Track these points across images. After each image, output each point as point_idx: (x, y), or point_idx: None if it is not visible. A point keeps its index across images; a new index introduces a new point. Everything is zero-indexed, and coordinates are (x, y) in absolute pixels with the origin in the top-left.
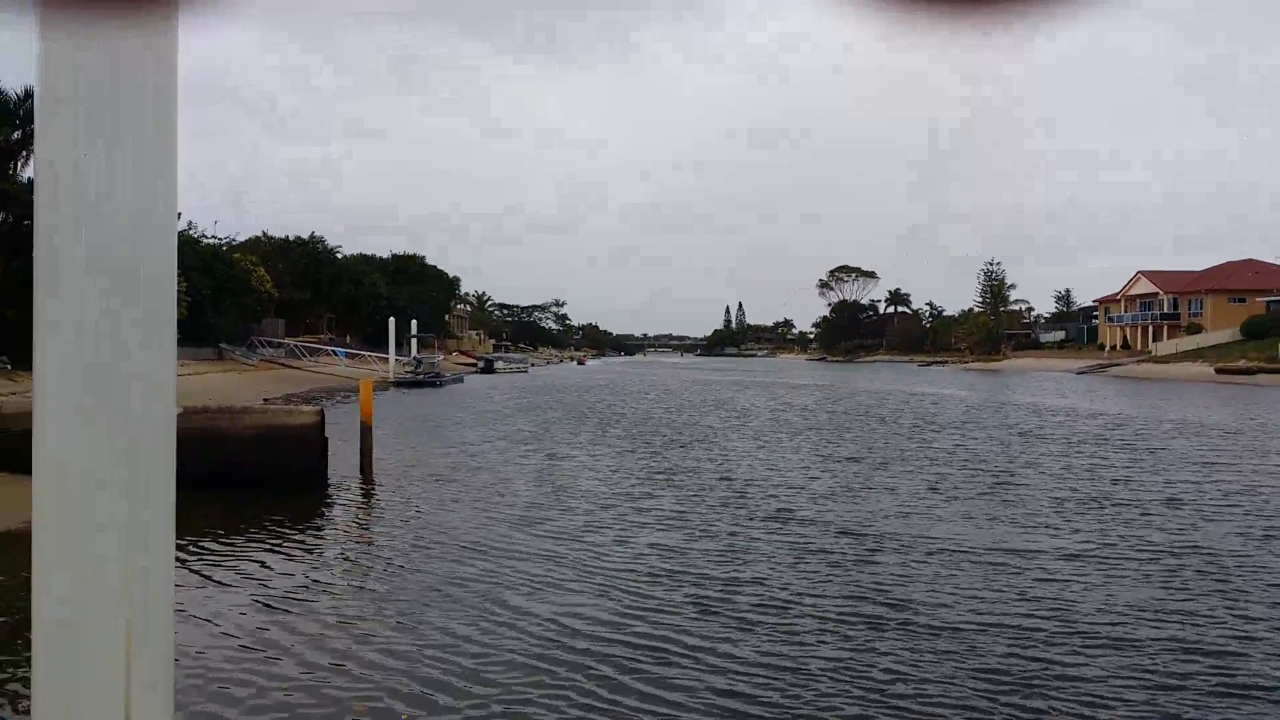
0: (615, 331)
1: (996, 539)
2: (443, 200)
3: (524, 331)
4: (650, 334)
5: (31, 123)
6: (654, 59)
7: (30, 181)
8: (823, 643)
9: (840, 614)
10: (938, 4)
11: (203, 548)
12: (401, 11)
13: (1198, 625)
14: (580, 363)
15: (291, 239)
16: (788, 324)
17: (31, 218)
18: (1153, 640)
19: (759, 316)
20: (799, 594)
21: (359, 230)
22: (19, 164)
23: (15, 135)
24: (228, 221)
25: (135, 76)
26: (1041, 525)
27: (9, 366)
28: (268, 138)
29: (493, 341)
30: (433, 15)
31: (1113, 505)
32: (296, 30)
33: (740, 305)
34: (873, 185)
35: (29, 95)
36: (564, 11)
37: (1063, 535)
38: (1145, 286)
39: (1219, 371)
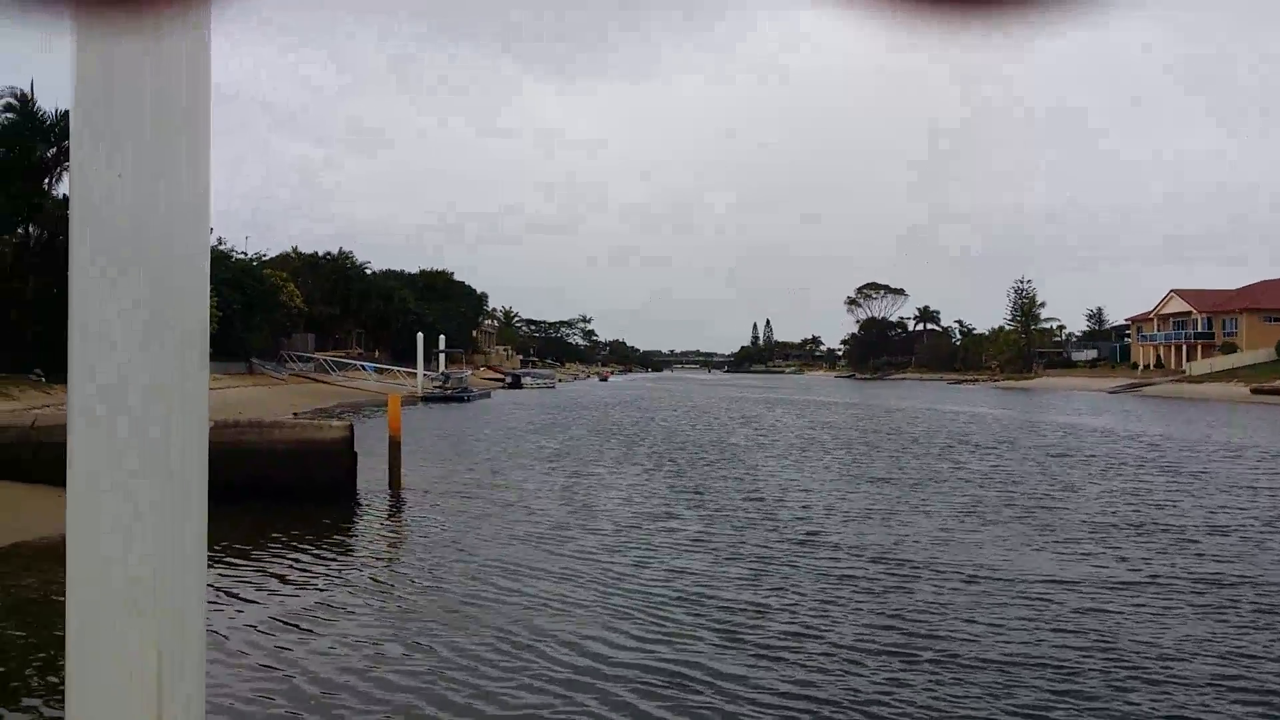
0: (642, 348)
1: (1035, 567)
2: (468, 209)
3: (551, 347)
4: (677, 350)
5: (66, 140)
6: (673, 69)
7: (64, 198)
8: (852, 674)
9: (870, 645)
10: (940, 4)
11: (230, 560)
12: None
13: (1252, 662)
14: (603, 378)
15: (321, 255)
16: (815, 341)
17: (64, 233)
18: (1202, 678)
19: (786, 333)
20: (827, 622)
21: (386, 244)
22: (53, 180)
23: (50, 152)
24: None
25: (169, 97)
26: (1082, 553)
27: (43, 379)
28: (281, 138)
29: (520, 357)
30: (441, 19)
31: (1157, 531)
32: (305, 33)
33: (768, 322)
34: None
35: (65, 116)
36: (566, 13)
37: (1105, 563)
38: (1179, 305)
39: (1254, 392)
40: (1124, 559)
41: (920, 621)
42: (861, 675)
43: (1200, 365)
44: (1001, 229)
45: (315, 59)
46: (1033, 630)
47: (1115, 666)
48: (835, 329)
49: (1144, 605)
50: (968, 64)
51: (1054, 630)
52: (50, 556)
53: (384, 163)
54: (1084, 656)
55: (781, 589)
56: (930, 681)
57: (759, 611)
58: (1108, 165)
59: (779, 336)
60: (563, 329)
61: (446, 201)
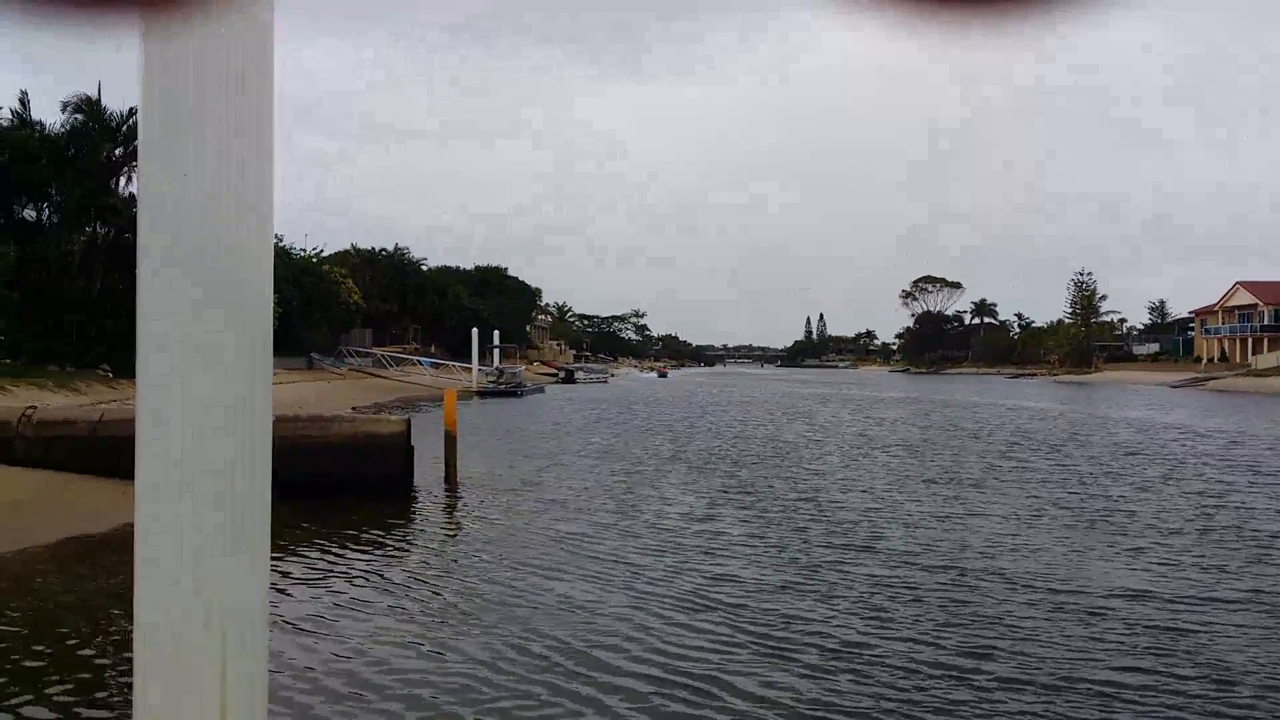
0: (695, 342)
1: (1108, 578)
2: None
3: (604, 342)
4: (730, 345)
5: (134, 139)
6: (727, 64)
7: (131, 196)
8: (904, 691)
9: (926, 661)
10: (942, 4)
11: (288, 552)
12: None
13: None
14: (661, 374)
15: (378, 251)
16: (870, 335)
17: (132, 231)
18: None
19: (840, 328)
20: (881, 637)
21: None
22: (121, 179)
23: (117, 151)
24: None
25: (232, 97)
26: (1161, 563)
27: (110, 375)
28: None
29: (573, 352)
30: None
31: (1248, 539)
32: (317, 24)
33: (821, 316)
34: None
35: (132, 113)
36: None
37: (1186, 575)
38: (1244, 297)
39: None
40: (1207, 569)
41: (982, 636)
42: (913, 694)
43: (1266, 359)
44: (1001, 229)
45: (328, 51)
46: (1104, 651)
47: (1208, 694)
48: (889, 322)
49: (1230, 621)
50: (974, 63)
51: (1129, 650)
52: (118, 547)
53: (406, 158)
54: (1165, 679)
55: (831, 598)
56: (986, 703)
57: (807, 622)
58: (1110, 163)
59: (832, 330)
60: (615, 324)
61: (488, 200)
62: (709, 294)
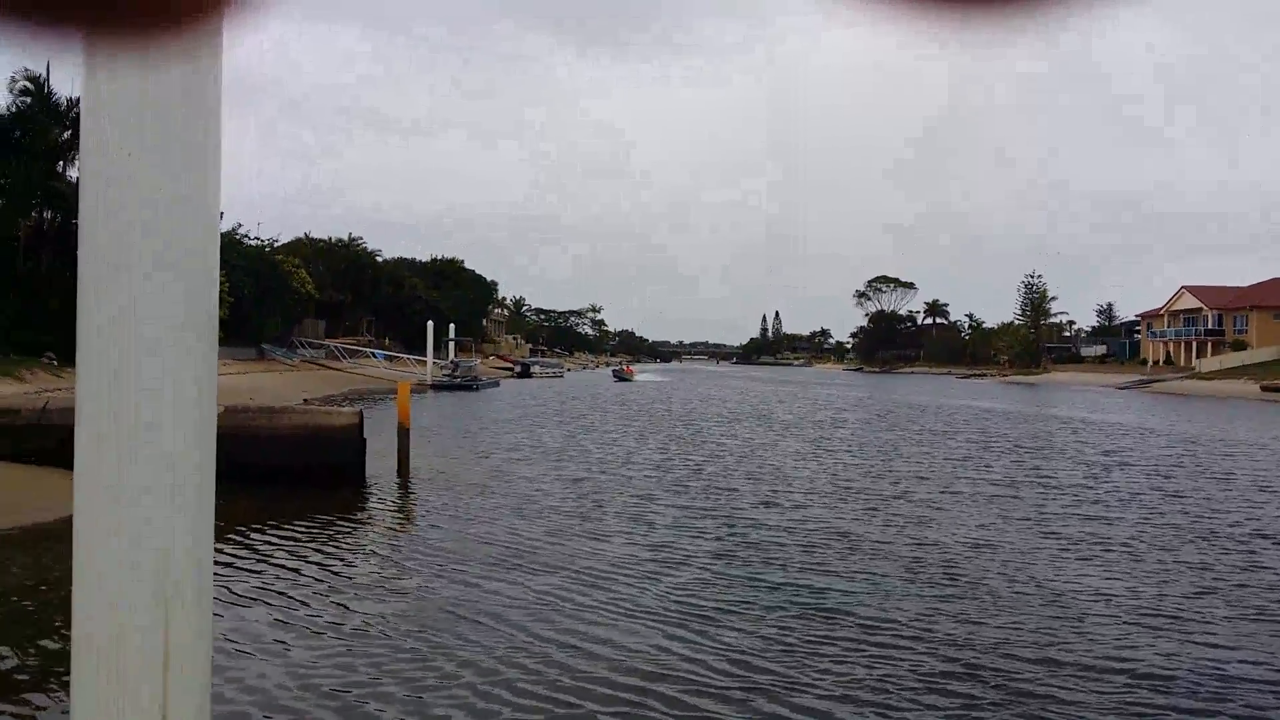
0: (651, 338)
1: (1090, 582)
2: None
3: (560, 336)
4: (686, 341)
5: (80, 123)
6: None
7: (77, 180)
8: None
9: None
10: (944, 4)
11: (236, 543)
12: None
13: None
14: (620, 375)
15: (334, 240)
16: (824, 333)
17: (77, 216)
18: None
19: (796, 325)
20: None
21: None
22: (67, 163)
23: (64, 135)
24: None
25: (179, 77)
26: (1140, 563)
27: (55, 363)
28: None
29: (529, 346)
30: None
31: (1228, 543)
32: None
33: (777, 314)
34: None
35: (79, 100)
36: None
37: (1167, 576)
38: (1189, 302)
39: (1264, 389)
40: (1187, 569)
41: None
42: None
43: (1210, 362)
44: (1014, 222)
45: (326, 40)
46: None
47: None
48: (844, 321)
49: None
50: (975, 61)
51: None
52: (64, 537)
53: (390, 152)
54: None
55: (812, 601)
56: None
57: (790, 620)
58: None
59: (788, 328)
60: (572, 318)
61: (459, 193)
62: (665, 289)
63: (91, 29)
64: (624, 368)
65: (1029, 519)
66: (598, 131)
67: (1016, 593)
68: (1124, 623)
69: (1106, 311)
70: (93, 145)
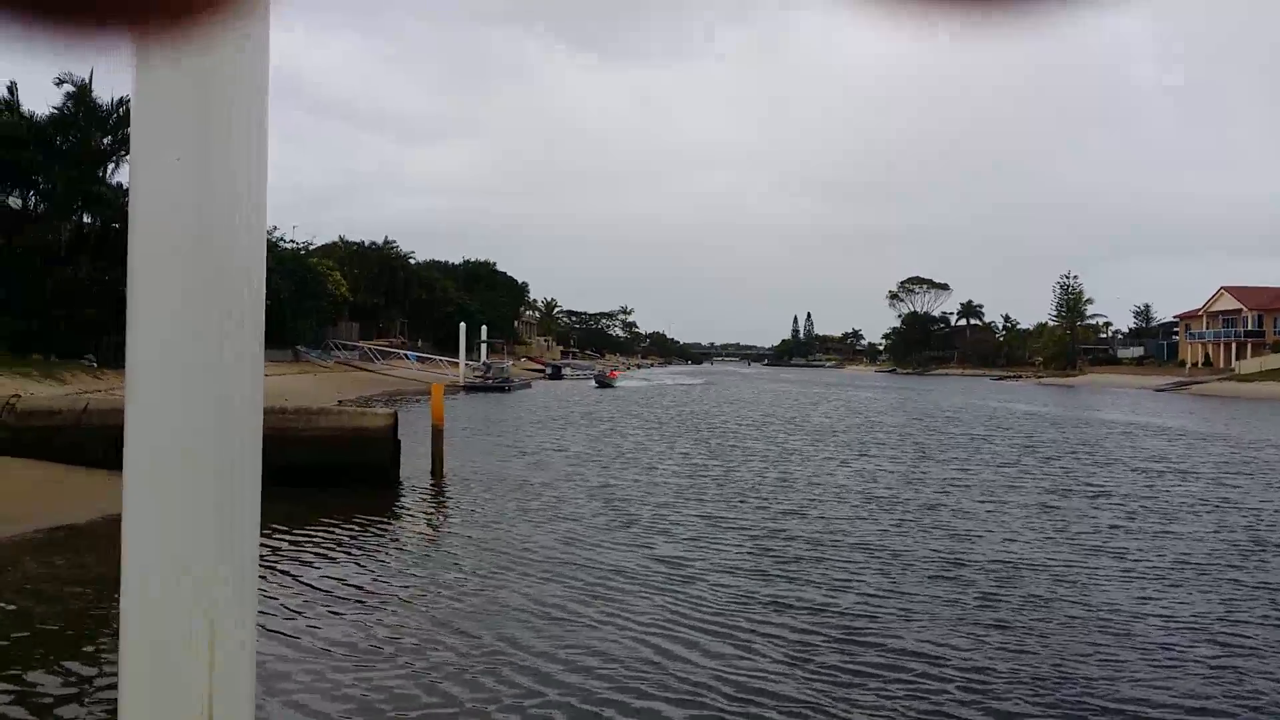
0: (682, 340)
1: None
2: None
3: (591, 338)
4: (717, 342)
5: (122, 128)
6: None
7: (119, 185)
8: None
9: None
10: (947, 3)
11: (273, 542)
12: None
13: None
14: (602, 382)
15: (367, 244)
16: (856, 335)
17: (120, 220)
18: None
19: (827, 326)
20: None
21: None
22: (110, 168)
23: (107, 140)
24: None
25: (228, 83)
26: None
27: (95, 365)
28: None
29: (560, 348)
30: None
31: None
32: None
33: (809, 315)
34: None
35: (121, 102)
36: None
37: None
38: (1228, 302)
39: None
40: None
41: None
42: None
43: (1250, 364)
44: (1050, 223)
45: (341, 39)
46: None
47: None
48: (876, 322)
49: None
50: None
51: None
52: (101, 538)
53: (413, 156)
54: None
55: (842, 610)
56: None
57: (816, 636)
58: (1162, 157)
59: (819, 329)
60: (603, 320)
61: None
62: (696, 291)
63: (140, 30)
64: (608, 372)
65: (1088, 533)
66: (630, 134)
67: (1084, 619)
68: (1202, 664)
69: (1144, 313)
70: (142, 150)
